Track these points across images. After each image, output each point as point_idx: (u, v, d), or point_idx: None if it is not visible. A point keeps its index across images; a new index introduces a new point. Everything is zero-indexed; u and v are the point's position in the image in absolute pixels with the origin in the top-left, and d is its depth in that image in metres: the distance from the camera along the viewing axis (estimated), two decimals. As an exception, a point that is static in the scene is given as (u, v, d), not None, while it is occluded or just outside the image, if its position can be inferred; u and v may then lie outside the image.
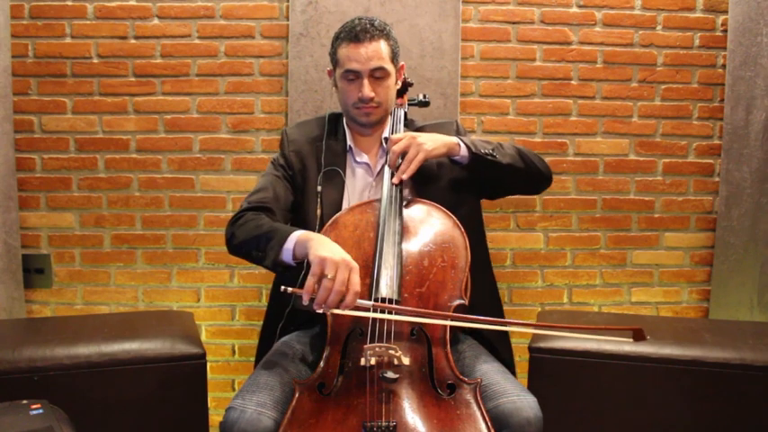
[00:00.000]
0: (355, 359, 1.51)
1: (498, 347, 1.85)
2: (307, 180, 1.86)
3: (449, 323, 1.57)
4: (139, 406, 1.89)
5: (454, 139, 1.77)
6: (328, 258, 1.44)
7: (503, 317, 1.94)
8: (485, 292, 1.86)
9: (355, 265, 1.47)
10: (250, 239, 1.66)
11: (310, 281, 1.44)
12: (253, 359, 1.97)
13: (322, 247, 1.49)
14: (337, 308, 1.45)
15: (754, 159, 2.63)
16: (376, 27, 1.80)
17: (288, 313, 1.80)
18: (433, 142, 1.74)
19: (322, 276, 1.43)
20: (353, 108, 1.84)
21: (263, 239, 1.63)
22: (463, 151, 1.76)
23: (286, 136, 1.94)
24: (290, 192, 1.86)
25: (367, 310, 1.51)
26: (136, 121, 2.63)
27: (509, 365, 1.84)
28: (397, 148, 1.73)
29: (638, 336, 1.51)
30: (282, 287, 1.47)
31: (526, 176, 1.84)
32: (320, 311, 1.46)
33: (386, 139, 1.89)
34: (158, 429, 1.92)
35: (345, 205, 1.82)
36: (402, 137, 1.75)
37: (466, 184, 1.84)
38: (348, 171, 1.88)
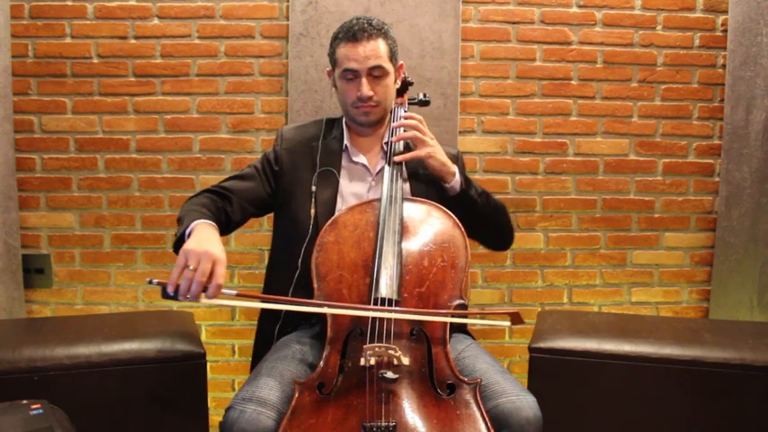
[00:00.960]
0: (355, 359, 1.51)
1: None
2: (299, 179, 1.87)
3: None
4: (139, 406, 1.89)
5: (454, 167, 1.82)
6: (191, 250, 1.47)
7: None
8: None
9: (220, 258, 1.48)
10: (179, 218, 1.72)
11: (174, 272, 1.47)
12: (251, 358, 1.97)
13: (191, 241, 1.53)
14: (198, 299, 1.47)
15: (754, 159, 2.63)
16: (374, 26, 1.80)
17: (285, 314, 1.80)
18: (438, 150, 1.81)
19: (185, 267, 1.46)
20: (352, 107, 1.84)
21: (180, 220, 1.69)
22: (455, 183, 1.81)
23: (281, 134, 1.95)
24: (263, 189, 1.88)
25: (231, 298, 1.53)
26: (136, 121, 2.63)
27: None
28: (405, 134, 1.81)
29: (516, 319, 1.57)
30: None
31: (495, 232, 1.93)
32: (186, 301, 1.48)
33: (386, 143, 1.89)
34: (158, 429, 1.92)
35: (339, 205, 1.82)
36: (419, 117, 1.82)
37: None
38: (343, 171, 1.88)
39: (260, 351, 1.86)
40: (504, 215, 1.92)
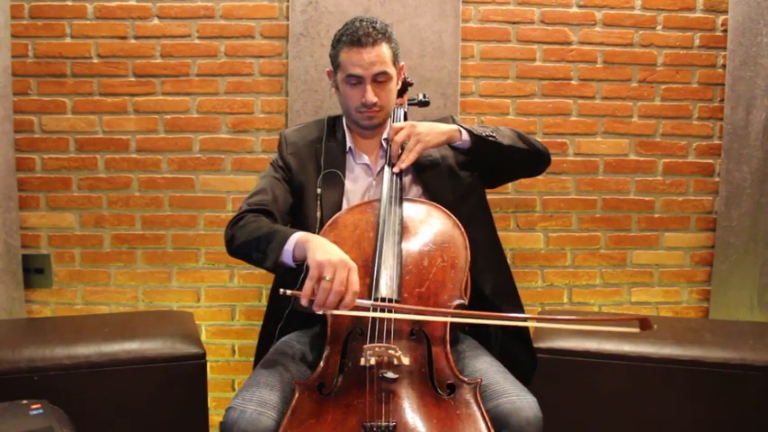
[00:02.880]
0: (355, 359, 1.51)
1: (516, 349, 1.85)
2: (306, 182, 1.86)
3: (449, 320, 1.56)
4: (139, 406, 1.89)
5: (454, 126, 1.82)
6: (325, 261, 1.45)
7: (520, 304, 1.91)
8: (501, 278, 1.87)
9: (353, 265, 1.47)
10: (250, 241, 1.66)
11: (308, 284, 1.44)
12: (253, 359, 1.97)
13: (320, 250, 1.50)
14: (337, 308, 1.45)
15: (754, 159, 2.63)
16: (378, 30, 1.78)
17: (287, 314, 1.80)
18: (432, 131, 1.79)
19: (320, 278, 1.44)
20: (356, 112, 1.84)
21: (263, 241, 1.63)
22: (464, 136, 1.80)
23: (284, 138, 1.94)
24: (288, 194, 1.86)
25: (366, 309, 1.51)
26: (136, 121, 2.63)
27: (528, 369, 1.85)
28: (398, 138, 1.78)
29: (645, 325, 1.47)
30: (281, 290, 1.47)
31: (527, 156, 1.88)
32: (320, 313, 1.47)
33: (386, 140, 1.89)
34: (158, 429, 1.92)
35: (345, 207, 1.82)
36: (402, 126, 1.79)
37: (469, 170, 1.86)
38: (348, 172, 1.87)
39: (263, 350, 1.86)
40: (524, 138, 1.88)
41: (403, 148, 1.79)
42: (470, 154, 1.82)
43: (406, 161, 1.76)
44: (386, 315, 1.53)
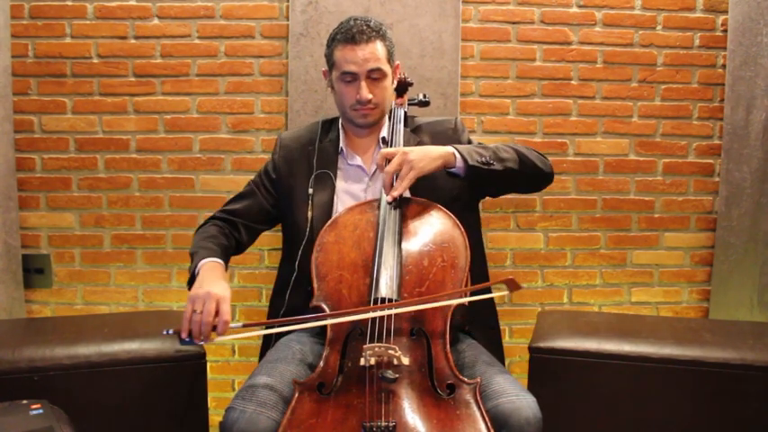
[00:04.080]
0: (355, 359, 1.51)
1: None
2: (296, 185, 1.88)
3: (337, 318, 1.58)
4: (139, 406, 1.89)
5: (449, 150, 1.71)
6: (194, 296, 1.55)
7: (497, 322, 1.96)
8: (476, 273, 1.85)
9: (223, 295, 1.55)
10: (190, 254, 1.79)
11: (184, 320, 1.53)
12: (253, 359, 1.98)
13: (195, 285, 1.62)
14: (213, 338, 1.55)
15: (754, 159, 2.63)
16: (372, 28, 1.79)
17: (282, 315, 1.81)
18: (425, 158, 1.68)
19: (192, 313, 1.53)
20: (351, 110, 1.84)
21: (191, 257, 1.77)
22: (459, 163, 1.71)
23: (279, 141, 1.98)
24: (266, 203, 1.92)
25: (240, 331, 1.61)
26: (136, 121, 2.63)
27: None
28: (390, 168, 1.68)
29: (512, 285, 1.52)
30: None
31: (525, 178, 1.82)
32: (203, 343, 1.59)
33: (383, 139, 1.89)
34: (158, 429, 1.92)
35: (336, 207, 1.82)
36: (394, 152, 1.70)
37: (463, 191, 1.82)
38: (339, 173, 1.88)
39: (265, 353, 1.87)
40: (525, 158, 1.79)
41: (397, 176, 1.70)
42: (465, 180, 1.75)
43: (398, 189, 1.66)
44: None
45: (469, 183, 1.77)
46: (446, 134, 1.92)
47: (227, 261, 1.78)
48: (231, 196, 2.00)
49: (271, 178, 1.93)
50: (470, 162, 1.69)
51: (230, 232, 1.87)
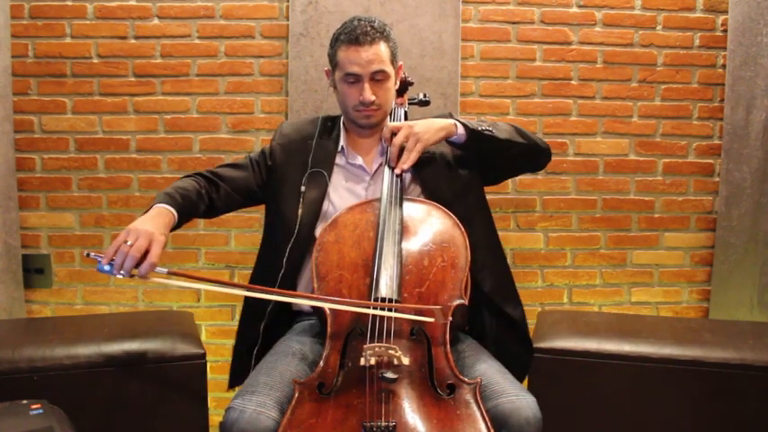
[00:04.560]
0: (355, 359, 1.51)
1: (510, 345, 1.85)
2: (289, 177, 1.87)
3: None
4: (139, 406, 1.88)
5: (450, 121, 1.79)
6: (131, 228, 1.56)
7: (520, 302, 1.92)
8: (500, 275, 1.86)
9: (158, 238, 1.55)
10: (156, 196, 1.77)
11: (111, 246, 1.53)
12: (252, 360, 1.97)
13: (138, 221, 1.61)
14: (132, 275, 1.53)
15: (754, 159, 2.63)
16: (376, 29, 1.79)
17: (269, 311, 1.80)
18: (430, 129, 1.76)
19: (123, 243, 1.52)
20: (354, 111, 1.84)
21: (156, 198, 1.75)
22: (460, 130, 1.77)
23: (280, 129, 1.97)
24: (253, 181, 1.90)
25: (165, 277, 1.56)
26: (136, 121, 2.63)
27: (524, 361, 1.87)
28: (396, 140, 1.75)
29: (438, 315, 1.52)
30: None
31: (525, 150, 1.85)
32: (120, 276, 1.53)
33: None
34: (158, 429, 1.92)
35: (325, 207, 1.82)
36: (400, 126, 1.77)
37: (467, 167, 1.85)
38: (339, 172, 1.87)
39: (241, 350, 1.87)
40: (522, 132, 1.85)
41: (402, 149, 1.77)
42: (466, 148, 1.81)
43: (408, 161, 1.73)
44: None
45: (471, 153, 1.81)
46: None
47: (183, 216, 1.74)
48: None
49: (266, 162, 1.91)
50: (471, 127, 1.76)
51: (207, 192, 1.83)
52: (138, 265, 1.51)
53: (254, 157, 1.94)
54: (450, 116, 1.92)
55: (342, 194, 1.85)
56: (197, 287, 1.70)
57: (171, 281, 1.63)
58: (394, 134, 1.77)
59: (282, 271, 1.77)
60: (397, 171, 1.75)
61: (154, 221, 1.62)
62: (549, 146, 1.92)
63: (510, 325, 1.85)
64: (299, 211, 1.81)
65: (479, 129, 1.77)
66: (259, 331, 1.80)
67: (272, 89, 2.65)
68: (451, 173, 1.84)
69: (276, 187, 1.88)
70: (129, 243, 1.52)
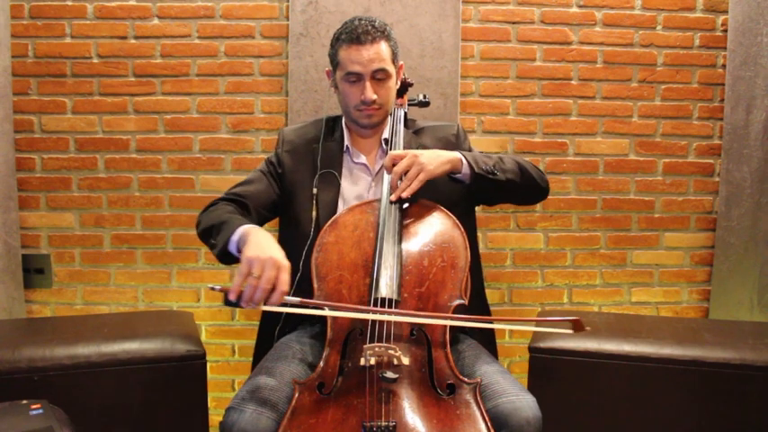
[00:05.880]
0: (355, 359, 1.51)
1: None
2: (300, 181, 1.86)
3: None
4: (139, 406, 1.89)
5: (457, 155, 1.72)
6: (255, 257, 1.45)
7: (488, 309, 1.96)
8: (473, 296, 1.84)
9: (284, 264, 1.46)
10: (209, 228, 1.71)
11: (237, 279, 1.45)
12: (251, 359, 1.97)
13: (253, 246, 1.50)
14: (264, 304, 1.46)
15: (754, 159, 2.63)
16: (377, 28, 1.79)
17: (285, 315, 1.80)
18: (435, 161, 1.69)
19: (249, 275, 1.44)
20: (355, 110, 1.84)
21: (215, 229, 1.68)
22: (465, 169, 1.72)
23: (282, 136, 1.95)
24: (272, 191, 1.88)
25: (297, 306, 1.50)
26: (136, 121, 2.63)
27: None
28: (398, 168, 1.68)
29: (578, 326, 1.50)
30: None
31: (524, 192, 1.84)
32: (248, 308, 1.47)
33: (385, 140, 1.89)
34: (158, 429, 1.92)
35: (341, 207, 1.82)
36: (404, 154, 1.70)
37: (462, 197, 1.82)
38: (344, 172, 1.87)
39: (261, 352, 1.86)
40: (526, 172, 1.80)
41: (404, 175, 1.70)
42: (468, 187, 1.76)
43: (407, 190, 1.66)
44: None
45: (470, 189, 1.78)
46: (448, 140, 1.93)
47: None
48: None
49: (276, 171, 1.89)
50: (477, 170, 1.70)
51: (242, 213, 1.78)
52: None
53: (263, 169, 1.91)
54: (457, 134, 1.91)
55: (352, 193, 1.85)
56: (329, 314, 1.58)
57: (299, 310, 1.53)
58: (394, 164, 1.70)
59: (299, 274, 1.76)
60: (393, 198, 1.68)
61: (269, 245, 1.50)
62: (548, 184, 1.87)
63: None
64: (314, 213, 1.81)
65: (484, 171, 1.71)
66: (274, 333, 1.83)
67: (272, 89, 2.65)
68: (444, 187, 1.79)
69: (289, 193, 1.88)
70: (255, 275, 1.43)
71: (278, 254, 1.47)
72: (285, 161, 1.90)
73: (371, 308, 1.55)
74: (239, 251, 1.59)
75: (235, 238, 1.61)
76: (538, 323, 1.63)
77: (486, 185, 1.74)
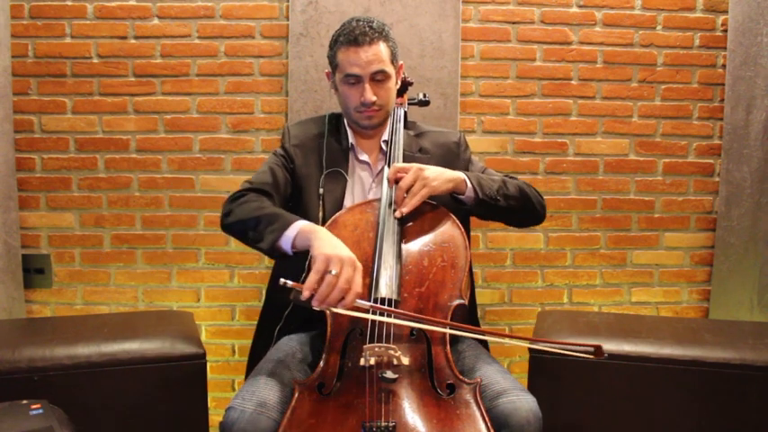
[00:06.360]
0: (355, 359, 1.51)
1: None
2: (308, 177, 1.85)
3: (447, 330, 1.55)
4: (139, 406, 1.89)
5: (461, 176, 1.71)
6: (334, 255, 1.43)
7: (477, 319, 1.96)
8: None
9: (359, 266, 1.46)
10: (249, 219, 1.64)
11: (313, 276, 1.41)
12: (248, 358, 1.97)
13: (327, 243, 1.48)
14: (336, 306, 1.43)
15: (754, 159, 2.63)
16: (375, 29, 1.78)
17: (286, 316, 1.80)
18: (439, 177, 1.68)
19: (326, 273, 1.41)
20: (355, 112, 1.83)
21: (263, 222, 1.61)
22: (469, 192, 1.71)
23: (288, 131, 1.93)
24: (289, 183, 1.84)
25: (365, 311, 1.49)
26: (136, 121, 2.63)
27: None
28: (403, 183, 1.67)
29: (599, 353, 1.56)
30: (282, 280, 1.43)
31: (521, 216, 1.84)
32: (318, 309, 1.44)
33: (385, 142, 1.89)
34: (158, 429, 1.92)
35: (348, 204, 1.81)
36: (408, 168, 1.69)
37: (458, 211, 1.79)
38: (350, 170, 1.87)
39: (258, 351, 1.86)
40: (527, 199, 1.80)
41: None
42: (470, 209, 1.76)
43: (409, 205, 1.66)
44: (384, 318, 1.52)
45: (470, 211, 1.78)
46: (449, 147, 1.92)
47: None
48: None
49: (288, 163, 1.86)
50: (481, 196, 1.70)
51: (274, 205, 1.72)
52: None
53: (276, 162, 1.86)
54: (459, 143, 1.90)
55: (357, 192, 1.85)
56: (402, 323, 1.53)
57: (373, 316, 1.49)
58: (399, 177, 1.69)
59: (304, 274, 1.75)
60: (397, 214, 1.67)
61: (341, 243, 1.48)
62: (545, 210, 1.87)
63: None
64: (320, 213, 1.80)
65: (488, 197, 1.71)
66: (273, 333, 1.82)
67: (272, 89, 2.65)
68: (439, 197, 1.77)
69: (299, 188, 1.85)
70: (333, 272, 1.40)
71: (353, 254, 1.46)
72: (295, 155, 1.87)
73: (447, 322, 1.53)
74: (294, 247, 1.56)
75: (291, 233, 1.56)
76: (560, 346, 1.65)
77: (485, 209, 1.74)
